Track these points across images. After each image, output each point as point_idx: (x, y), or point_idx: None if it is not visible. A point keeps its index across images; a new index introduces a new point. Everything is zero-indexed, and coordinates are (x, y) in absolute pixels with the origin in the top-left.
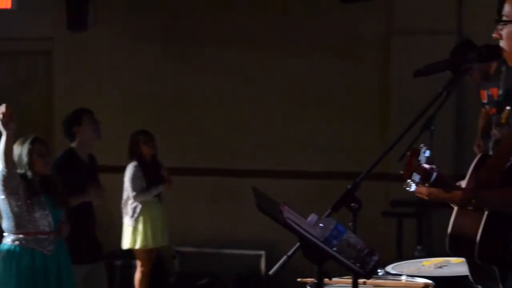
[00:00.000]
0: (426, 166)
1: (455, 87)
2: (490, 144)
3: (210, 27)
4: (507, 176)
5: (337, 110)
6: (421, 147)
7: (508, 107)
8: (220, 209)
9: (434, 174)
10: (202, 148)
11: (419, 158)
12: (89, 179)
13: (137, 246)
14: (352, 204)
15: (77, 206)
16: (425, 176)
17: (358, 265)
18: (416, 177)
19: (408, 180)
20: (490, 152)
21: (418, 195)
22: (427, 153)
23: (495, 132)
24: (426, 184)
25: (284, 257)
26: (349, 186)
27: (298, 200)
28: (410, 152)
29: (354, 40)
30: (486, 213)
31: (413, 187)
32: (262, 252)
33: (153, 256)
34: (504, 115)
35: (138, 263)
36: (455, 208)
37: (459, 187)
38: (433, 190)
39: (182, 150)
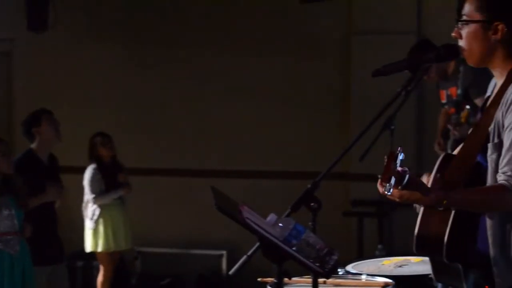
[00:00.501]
0: (399, 169)
1: (414, 86)
2: (449, 144)
3: (174, 28)
4: (472, 176)
5: (297, 110)
6: (398, 151)
7: (467, 106)
8: (182, 210)
9: (406, 177)
10: (165, 148)
11: (396, 162)
12: (49, 179)
13: (99, 249)
14: (312, 204)
15: (38, 207)
16: (399, 179)
17: (317, 264)
18: (392, 180)
19: (387, 185)
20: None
21: (390, 197)
22: (402, 156)
23: (454, 132)
24: (399, 187)
25: (244, 257)
26: (308, 186)
27: (258, 200)
28: (388, 156)
29: (314, 40)
30: (453, 212)
31: (391, 191)
32: (224, 252)
33: (116, 259)
34: (463, 114)
35: (101, 266)
36: (422, 208)
37: (430, 189)
38: (404, 192)
39: (144, 151)
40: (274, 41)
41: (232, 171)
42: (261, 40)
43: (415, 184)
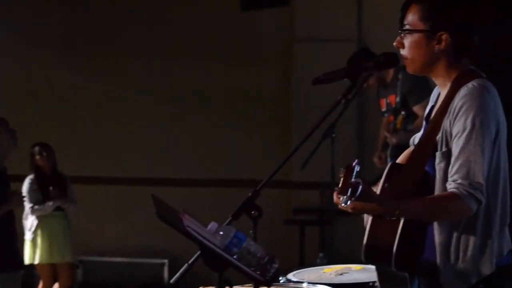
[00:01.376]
0: (353, 180)
1: (354, 95)
2: (389, 151)
3: (110, 32)
4: (421, 185)
5: (239, 118)
6: (355, 163)
7: (403, 112)
8: (123, 218)
9: (360, 188)
10: (106, 157)
11: (353, 174)
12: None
13: (36, 261)
14: (253, 212)
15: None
16: (352, 190)
17: (258, 272)
18: (349, 192)
19: (344, 197)
20: (388, 160)
21: (342, 208)
22: (358, 168)
23: (392, 138)
24: (352, 198)
25: (185, 265)
26: (249, 194)
27: (200, 208)
28: (346, 168)
29: (256, 48)
30: (402, 221)
31: (348, 202)
32: (165, 261)
33: (55, 271)
34: (398, 120)
35: (41, 278)
36: (370, 217)
37: (383, 200)
38: (357, 203)
39: (85, 159)
40: (216, 48)
41: (173, 179)
42: (202, 47)
43: (368, 195)
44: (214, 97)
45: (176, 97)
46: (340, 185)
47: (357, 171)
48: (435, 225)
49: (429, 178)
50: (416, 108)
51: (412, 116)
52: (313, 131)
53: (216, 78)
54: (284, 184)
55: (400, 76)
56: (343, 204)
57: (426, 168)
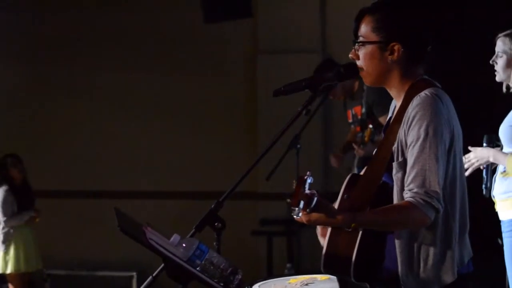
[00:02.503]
0: (307, 192)
1: (318, 105)
2: (356, 161)
3: (77, 45)
4: (379, 196)
5: (204, 129)
6: (307, 175)
7: (370, 126)
8: (91, 231)
9: (314, 199)
10: (71, 169)
11: (305, 185)
12: None
13: (8, 270)
14: (216, 224)
15: None
16: (307, 202)
17: (221, 284)
18: (301, 204)
19: (296, 208)
20: (355, 170)
21: (298, 220)
22: (311, 180)
23: (359, 151)
24: (307, 210)
25: (149, 278)
26: (212, 206)
27: (163, 221)
28: (297, 180)
29: (220, 59)
30: (360, 232)
31: (300, 214)
32: (134, 273)
33: (26, 280)
34: (366, 133)
35: (11, 287)
36: (329, 229)
37: (338, 211)
38: (312, 215)
39: (51, 172)
40: (180, 60)
41: (137, 192)
42: (166, 59)
43: (323, 207)
44: (178, 109)
45: (141, 109)
46: (292, 196)
47: (309, 183)
48: (395, 234)
49: (387, 189)
50: (382, 119)
51: (378, 128)
52: (274, 143)
53: (180, 90)
54: (250, 195)
55: (365, 87)
56: (295, 216)
57: (385, 179)
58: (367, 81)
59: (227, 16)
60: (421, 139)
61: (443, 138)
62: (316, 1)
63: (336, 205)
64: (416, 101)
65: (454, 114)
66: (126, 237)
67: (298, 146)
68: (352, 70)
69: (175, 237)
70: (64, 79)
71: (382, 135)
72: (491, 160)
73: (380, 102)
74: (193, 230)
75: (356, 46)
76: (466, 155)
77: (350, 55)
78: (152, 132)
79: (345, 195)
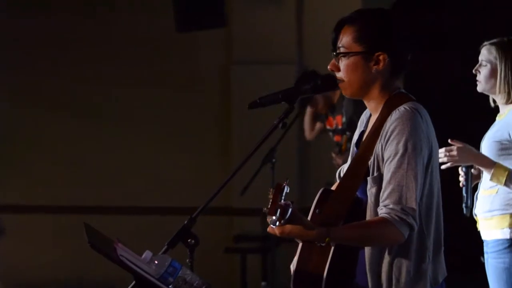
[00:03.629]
0: (283, 202)
1: (294, 118)
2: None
3: (35, 55)
4: (352, 211)
5: (176, 143)
6: (285, 183)
7: (347, 133)
8: (57, 247)
9: (289, 210)
10: (36, 184)
11: (282, 194)
12: None
13: None
14: (189, 240)
15: None
16: (281, 212)
17: None
18: (278, 212)
19: (273, 217)
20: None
21: (271, 232)
22: (287, 189)
23: (338, 160)
24: (282, 221)
25: None
26: (185, 222)
27: (135, 237)
28: (275, 188)
29: (192, 70)
30: (332, 248)
31: (277, 223)
32: None
33: None
34: (343, 141)
35: None
36: (300, 243)
37: (313, 225)
38: (287, 227)
39: (13, 187)
40: (151, 71)
41: (108, 207)
42: (136, 70)
43: (298, 219)
44: (151, 122)
45: (109, 121)
46: (269, 205)
47: (286, 192)
48: (367, 250)
49: (361, 204)
50: None
51: None
52: (249, 157)
53: (153, 103)
54: (224, 211)
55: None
56: (271, 225)
57: (358, 193)
58: (347, 92)
59: (200, 25)
60: (399, 154)
61: (421, 154)
62: (293, 11)
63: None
64: (395, 115)
65: (432, 130)
66: (93, 253)
67: (274, 160)
68: (330, 82)
69: (147, 254)
70: (19, 89)
71: (355, 149)
72: (476, 162)
73: (360, 112)
74: (166, 247)
75: (337, 57)
76: (447, 148)
77: (329, 67)
78: (123, 147)
79: (317, 210)
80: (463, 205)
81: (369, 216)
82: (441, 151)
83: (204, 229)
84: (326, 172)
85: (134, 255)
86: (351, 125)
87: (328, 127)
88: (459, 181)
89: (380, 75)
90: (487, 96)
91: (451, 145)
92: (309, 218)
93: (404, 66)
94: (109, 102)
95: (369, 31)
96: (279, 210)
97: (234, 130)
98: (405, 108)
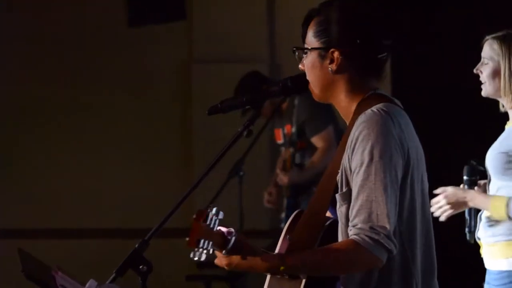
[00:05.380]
0: (223, 229)
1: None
2: (284, 192)
3: None
4: (326, 234)
5: (129, 155)
6: (209, 208)
7: (291, 148)
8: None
9: (232, 239)
10: None
11: (208, 222)
12: None
13: None
14: (141, 267)
15: None
16: (222, 241)
17: None
18: (207, 244)
19: (195, 250)
20: (284, 203)
21: (218, 264)
22: (221, 215)
23: (283, 178)
24: (224, 251)
25: None
26: (136, 246)
27: (79, 263)
28: (195, 215)
29: (147, 70)
30: (303, 281)
31: (203, 257)
32: None
33: None
34: (287, 158)
35: None
36: (268, 276)
37: (264, 253)
38: (233, 258)
39: None
40: (98, 71)
41: (46, 230)
42: (81, 69)
43: (244, 248)
44: (96, 130)
45: (56, 130)
46: (189, 235)
47: (218, 219)
48: (343, 281)
49: (335, 226)
50: (314, 140)
51: (309, 150)
52: (209, 170)
53: (102, 106)
54: (185, 233)
55: (296, 101)
56: (196, 258)
57: (332, 214)
58: (315, 95)
59: (156, 19)
60: (364, 164)
61: (392, 162)
62: (263, 2)
63: (277, 249)
64: (360, 119)
65: (411, 135)
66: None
67: (241, 173)
68: (301, 83)
69: (91, 283)
70: None
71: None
72: (470, 204)
73: (313, 118)
74: (114, 275)
75: (302, 55)
76: (434, 200)
77: (300, 65)
78: (66, 159)
79: (288, 236)
80: (466, 229)
81: (340, 239)
82: (432, 203)
83: (162, 254)
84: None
85: (76, 285)
86: (302, 136)
87: (278, 141)
88: None
89: (339, 76)
90: (491, 100)
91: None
92: (278, 246)
93: (375, 66)
94: (48, 105)
95: (327, 24)
96: (209, 240)
97: (195, 139)
98: (372, 110)
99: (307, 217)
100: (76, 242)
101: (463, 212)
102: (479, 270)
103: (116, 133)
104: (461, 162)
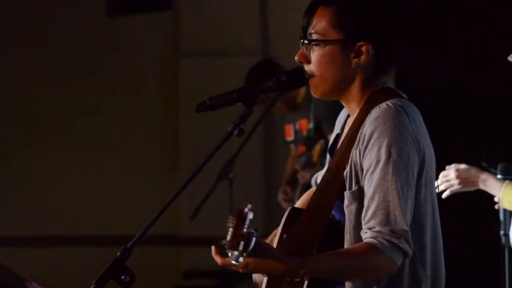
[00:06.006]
0: (245, 231)
1: (257, 123)
2: (297, 192)
3: None
4: (328, 235)
5: (112, 157)
6: (247, 209)
7: (322, 141)
8: None
9: (253, 240)
10: None
11: (246, 223)
12: None
13: None
14: (123, 277)
15: None
16: (244, 244)
17: None
18: (241, 246)
19: (235, 252)
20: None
21: (229, 266)
22: (251, 216)
23: (303, 174)
24: (244, 254)
25: None
26: (117, 254)
27: (63, 272)
28: (236, 215)
29: (130, 63)
30: (306, 282)
31: (241, 259)
32: None
33: None
34: (316, 151)
35: None
36: (265, 279)
37: (282, 256)
38: (250, 261)
39: None
40: (76, 67)
41: (22, 237)
42: (58, 65)
43: (264, 250)
44: (76, 130)
45: (30, 131)
46: (229, 237)
47: (250, 219)
48: (347, 286)
49: (338, 226)
50: None
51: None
52: (196, 172)
53: (78, 106)
54: (172, 240)
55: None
56: (233, 262)
57: (334, 213)
58: (318, 91)
59: (139, 8)
60: (381, 163)
61: (409, 162)
62: None
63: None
64: (374, 113)
65: (425, 133)
66: None
67: (231, 176)
68: (298, 77)
69: None
70: None
71: (328, 157)
72: (481, 185)
73: (333, 114)
74: (93, 286)
75: (308, 46)
76: (443, 172)
77: (296, 58)
78: (41, 163)
79: (284, 236)
80: (501, 232)
81: (348, 241)
82: (440, 176)
83: (147, 263)
84: (298, 190)
85: None
86: (320, 132)
87: (287, 138)
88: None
89: (360, 71)
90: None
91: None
92: (275, 246)
93: (391, 60)
94: (19, 104)
95: (350, 15)
96: (241, 243)
97: (182, 139)
98: (387, 104)
99: (308, 215)
100: (54, 250)
101: (497, 214)
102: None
103: (95, 134)
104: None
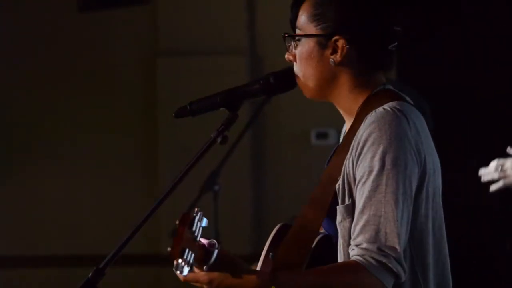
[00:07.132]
0: (204, 241)
1: (244, 131)
2: None
3: None
4: (319, 252)
5: (82, 164)
6: (195, 212)
7: None
8: None
9: (215, 252)
10: None
11: (193, 229)
12: None
13: None
14: None
15: None
16: (203, 255)
17: None
18: (190, 255)
19: (179, 261)
20: None
21: (194, 283)
22: (205, 222)
23: None
24: (205, 267)
25: None
26: (89, 275)
27: None
28: (179, 220)
29: (104, 63)
30: None
31: (186, 271)
32: None
33: None
34: None
35: None
36: None
37: (252, 270)
38: (215, 275)
39: None
40: (45, 66)
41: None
42: (26, 65)
43: (229, 263)
44: (46, 136)
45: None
46: (172, 244)
47: (202, 226)
48: None
49: (330, 243)
50: None
51: None
52: (177, 184)
53: (48, 109)
54: (150, 259)
55: None
56: (178, 272)
57: (326, 229)
58: (306, 93)
59: (114, 2)
60: (374, 173)
61: (407, 172)
62: None
63: (259, 266)
64: (369, 118)
65: (427, 140)
66: None
67: (216, 187)
68: (287, 78)
69: None
70: None
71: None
72: None
73: None
74: None
75: (292, 43)
76: (498, 162)
77: (286, 56)
78: (9, 177)
79: (270, 254)
80: None
81: (341, 259)
82: (492, 165)
83: (124, 284)
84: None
85: None
86: None
87: None
88: None
89: (343, 69)
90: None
91: (507, 155)
92: (259, 264)
93: (381, 59)
94: None
95: (327, 7)
96: (187, 251)
97: (161, 146)
98: (384, 109)
99: (295, 231)
100: (20, 271)
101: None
102: None
103: (64, 140)
104: (461, 162)
